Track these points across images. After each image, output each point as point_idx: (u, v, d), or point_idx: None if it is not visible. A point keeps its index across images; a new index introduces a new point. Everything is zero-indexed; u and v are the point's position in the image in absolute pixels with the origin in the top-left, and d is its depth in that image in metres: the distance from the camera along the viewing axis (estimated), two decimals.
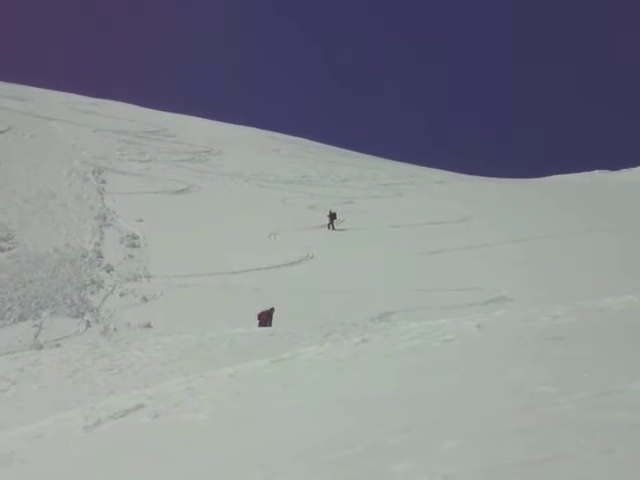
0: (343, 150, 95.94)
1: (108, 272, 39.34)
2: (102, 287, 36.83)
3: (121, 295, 35.77)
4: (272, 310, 29.68)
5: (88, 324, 31.36)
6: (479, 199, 64.82)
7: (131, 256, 42.34)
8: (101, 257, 41.60)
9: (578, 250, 44.09)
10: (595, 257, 41.87)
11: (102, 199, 54.00)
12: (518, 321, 12.12)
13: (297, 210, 56.94)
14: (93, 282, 37.41)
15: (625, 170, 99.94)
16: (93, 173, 60.66)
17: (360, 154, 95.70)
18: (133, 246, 44.28)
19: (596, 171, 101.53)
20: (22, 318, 32.16)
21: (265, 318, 29.21)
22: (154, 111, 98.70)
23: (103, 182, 58.60)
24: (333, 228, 51.80)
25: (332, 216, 52.38)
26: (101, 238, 45.24)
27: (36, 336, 29.80)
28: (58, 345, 27.48)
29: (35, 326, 31.18)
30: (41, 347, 27.39)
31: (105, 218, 49.41)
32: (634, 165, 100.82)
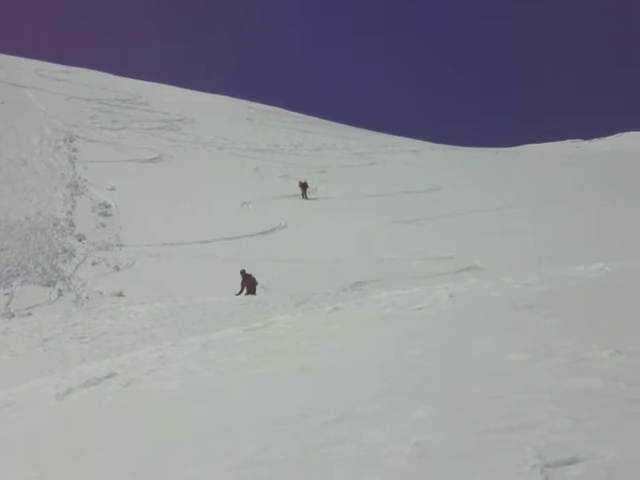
0: (317, 119, 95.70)
1: (80, 241, 39.15)
2: (74, 256, 36.65)
3: (93, 264, 35.61)
4: (243, 272, 29.74)
5: (60, 293, 31.23)
6: (452, 168, 64.85)
7: (103, 225, 42.14)
8: (73, 226, 41.38)
9: (552, 218, 44.24)
10: (570, 225, 42.05)
11: (74, 167, 53.63)
12: (490, 290, 12.16)
13: (270, 179, 56.78)
14: (65, 251, 37.23)
15: (597, 139, 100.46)
16: (65, 141, 60.22)
17: (334, 123, 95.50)
18: (105, 215, 44.07)
19: (568, 140, 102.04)
20: None
21: (252, 280, 29.36)
22: (127, 79, 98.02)
23: (75, 150, 58.18)
24: (305, 197, 51.74)
25: (303, 186, 52.28)
26: (73, 207, 44.97)
27: (7, 304, 29.65)
28: (29, 314, 27.39)
29: (6, 294, 31.02)
30: (12, 315, 27.29)
31: (77, 186, 49.11)
32: (605, 135, 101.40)
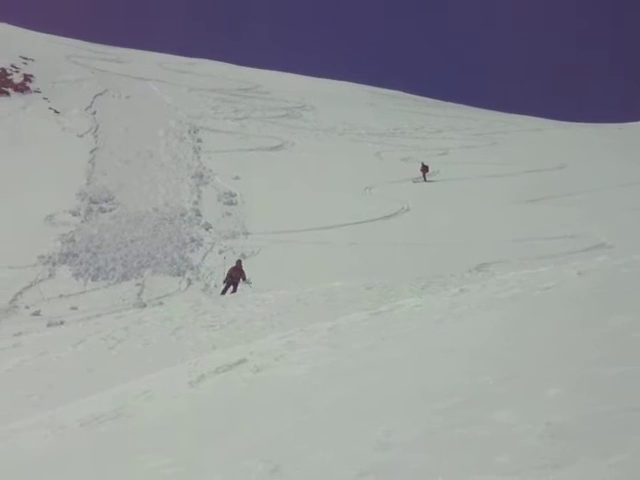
0: (437, 101, 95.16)
1: (207, 230, 39.82)
2: (201, 245, 37.32)
3: (220, 252, 36.18)
4: (239, 262, 30.00)
5: (189, 282, 31.86)
6: (576, 146, 63.71)
7: (228, 214, 42.74)
8: (199, 215, 42.09)
9: None
10: None
11: (198, 158, 54.50)
12: (620, 267, 11.90)
13: (391, 163, 56.72)
14: (193, 240, 37.93)
15: None
16: (189, 132, 61.22)
17: (454, 104, 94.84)
18: (230, 204, 44.69)
19: None
20: (125, 277, 32.81)
21: (235, 275, 29.48)
22: (247, 68, 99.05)
23: (199, 141, 59.10)
24: (425, 180, 51.51)
25: (425, 168, 52.08)
26: (199, 196, 45.73)
27: (139, 295, 30.39)
28: (161, 303, 27.99)
29: (138, 285, 31.79)
30: (144, 305, 27.94)
31: (202, 176, 49.90)
32: None
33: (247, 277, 29.30)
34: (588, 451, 4.49)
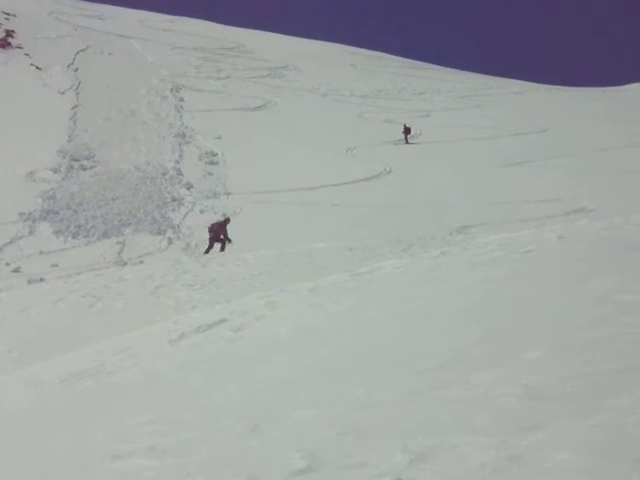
0: (420, 63, 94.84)
1: (188, 189, 39.70)
2: (182, 204, 37.22)
3: (201, 212, 36.11)
4: (227, 221, 29.50)
5: (170, 241, 31.79)
6: (558, 109, 63.74)
7: (210, 173, 42.61)
8: (181, 174, 41.95)
9: None
10: None
11: (180, 117, 54.23)
12: (601, 230, 11.93)
13: (374, 125, 56.60)
14: (174, 199, 37.82)
15: None
16: (171, 91, 60.89)
17: (437, 67, 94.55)
18: (212, 163, 44.54)
19: None
20: (105, 235, 32.72)
21: (217, 230, 29.06)
22: (231, 27, 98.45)
23: (181, 100, 58.79)
24: (407, 142, 51.45)
25: (407, 130, 51.99)
26: (180, 156, 45.56)
27: (119, 253, 30.31)
28: (141, 262, 27.93)
29: (118, 243, 31.70)
30: (125, 264, 27.87)
31: (184, 136, 49.68)
32: None
33: (228, 236, 28.87)
34: (567, 412, 4.50)
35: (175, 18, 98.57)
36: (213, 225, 29.27)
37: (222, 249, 28.54)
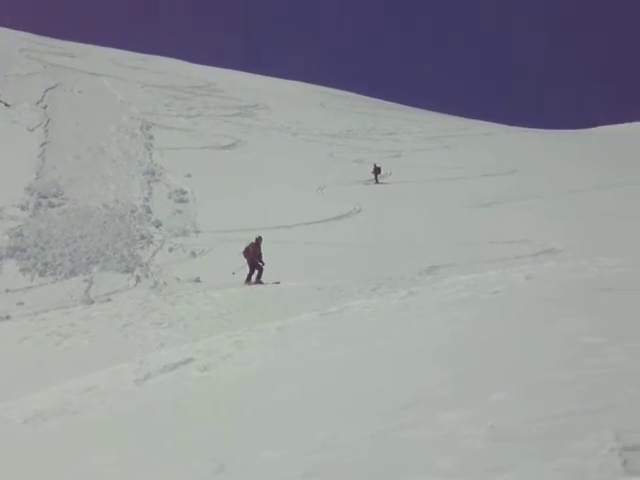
0: (390, 103, 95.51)
1: (157, 227, 39.58)
2: (151, 242, 37.07)
3: (170, 250, 35.98)
4: (259, 240, 28.94)
5: (138, 279, 31.60)
6: (527, 151, 64.28)
7: (179, 211, 42.53)
8: (150, 212, 41.83)
9: (628, 201, 43.56)
10: None
11: (150, 155, 54.18)
12: (567, 272, 12.03)
13: (344, 164, 56.80)
14: (142, 237, 37.66)
15: None
16: (141, 129, 60.87)
17: (407, 107, 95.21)
18: (181, 201, 44.47)
19: None
20: (73, 273, 32.48)
21: (253, 252, 28.24)
22: (201, 66, 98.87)
23: (151, 138, 58.77)
24: (377, 182, 51.65)
25: (377, 170, 52.23)
26: (150, 193, 45.45)
27: (87, 291, 30.09)
28: (109, 300, 27.75)
29: (86, 281, 31.48)
30: (92, 302, 27.67)
31: (153, 174, 49.61)
32: None
33: (262, 259, 28.11)
34: (532, 455, 4.50)
35: (146, 56, 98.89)
36: (247, 249, 28.55)
37: (258, 278, 27.88)
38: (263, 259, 28.24)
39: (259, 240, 28.82)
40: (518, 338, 7.73)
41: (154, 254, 35.33)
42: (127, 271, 32.85)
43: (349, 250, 34.57)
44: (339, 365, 8.74)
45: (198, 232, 38.91)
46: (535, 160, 59.43)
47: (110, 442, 7.82)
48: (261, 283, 27.55)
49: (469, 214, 42.63)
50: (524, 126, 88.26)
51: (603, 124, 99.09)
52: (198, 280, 29.93)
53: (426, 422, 5.55)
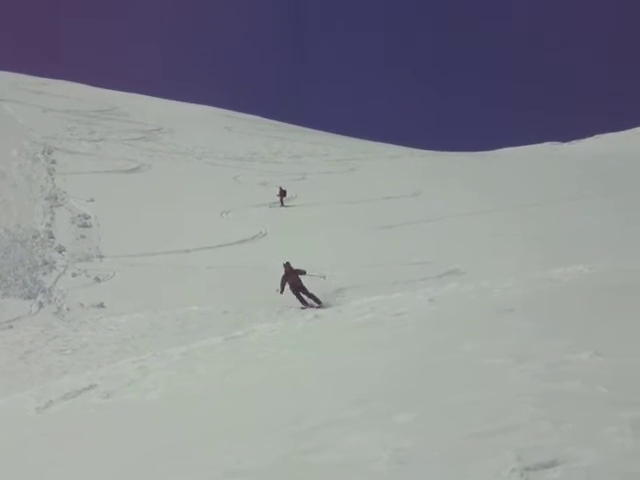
0: (295, 127, 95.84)
1: (60, 252, 38.96)
2: (54, 268, 36.46)
3: (73, 275, 35.43)
4: (287, 264, 27.86)
5: (41, 305, 31.03)
6: (432, 173, 65.00)
7: (83, 236, 41.95)
8: (52, 237, 41.18)
9: (531, 222, 44.30)
10: (548, 228, 42.12)
11: (52, 179, 53.39)
12: (469, 294, 12.19)
13: (249, 188, 56.70)
14: (45, 263, 37.05)
15: (575, 141, 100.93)
16: (43, 153, 59.99)
17: (313, 130, 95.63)
18: (85, 226, 43.86)
19: (547, 143, 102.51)
20: None
21: (293, 276, 27.01)
22: (105, 90, 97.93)
23: (53, 162, 57.94)
24: (282, 204, 51.71)
25: (282, 193, 52.29)
26: (52, 218, 44.77)
27: None
28: (10, 327, 27.21)
29: None
30: None
31: (56, 198, 48.89)
32: (583, 136, 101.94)
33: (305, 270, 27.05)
34: (435, 477, 4.53)
35: (48, 80, 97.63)
36: (287, 278, 27.13)
37: (311, 296, 26.56)
38: (302, 269, 27.37)
39: (288, 265, 27.74)
40: (422, 360, 7.79)
41: (57, 280, 34.76)
42: (29, 297, 32.26)
43: (254, 274, 34.48)
44: (246, 389, 8.70)
45: (102, 257, 38.41)
46: (440, 182, 60.09)
47: (10, 471, 7.65)
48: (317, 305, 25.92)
49: (374, 236, 42.88)
50: (430, 149, 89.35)
51: (506, 146, 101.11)
52: (102, 305, 29.50)
53: (333, 445, 5.56)
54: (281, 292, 26.92)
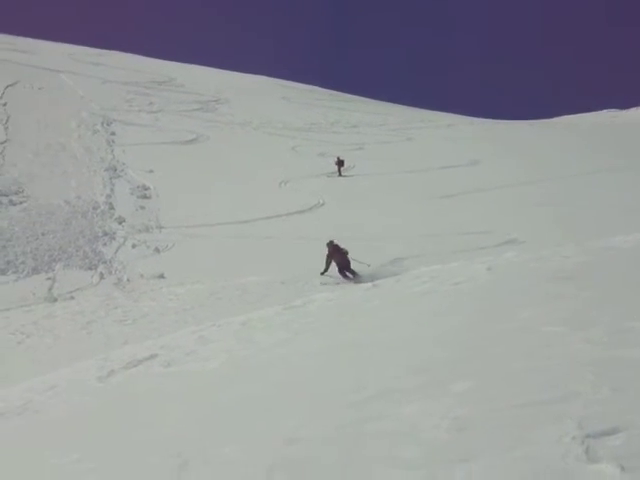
0: (353, 96, 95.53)
1: (120, 224, 39.34)
2: (114, 239, 36.84)
3: (133, 246, 35.78)
4: (331, 243, 27.49)
5: (101, 276, 31.39)
6: (489, 142, 64.53)
7: (142, 207, 42.31)
8: (112, 209, 41.58)
9: (590, 190, 43.86)
10: (607, 197, 41.65)
11: (112, 151, 53.86)
12: (528, 262, 12.08)
13: (307, 158, 56.73)
14: (105, 234, 37.43)
15: (634, 108, 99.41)
16: (102, 125, 60.51)
17: (370, 100, 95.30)
18: (144, 197, 44.23)
19: (605, 110, 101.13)
20: (35, 271, 32.22)
21: (337, 254, 26.82)
22: (161, 61, 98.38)
23: (112, 134, 58.44)
24: (340, 175, 51.64)
25: (340, 163, 52.20)
26: (112, 190, 45.19)
27: (50, 289, 29.86)
28: (72, 297, 27.58)
29: (49, 279, 31.24)
30: (55, 300, 27.49)
31: (115, 170, 49.33)
32: None
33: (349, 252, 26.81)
34: (494, 444, 4.53)
35: (104, 52, 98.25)
36: (332, 256, 26.84)
37: (351, 272, 26.54)
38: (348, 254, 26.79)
39: (332, 244, 27.33)
40: (480, 328, 7.76)
41: (117, 251, 35.12)
42: (90, 268, 32.64)
43: (312, 243, 34.53)
44: (303, 359, 8.74)
45: (161, 228, 38.73)
46: (497, 150, 59.69)
47: (73, 440, 7.77)
48: (353, 275, 26.31)
49: (432, 206, 42.73)
50: (487, 117, 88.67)
51: (564, 114, 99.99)
52: (162, 276, 29.79)
53: (390, 414, 5.56)
54: (324, 272, 26.56)
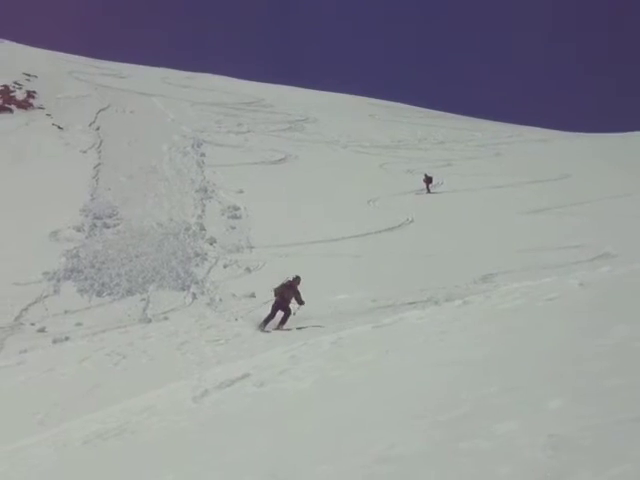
0: (439, 112, 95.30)
1: (211, 244, 39.79)
2: (206, 259, 37.28)
3: (225, 266, 36.15)
4: (297, 280, 24.66)
5: (194, 296, 31.79)
6: (579, 156, 63.73)
7: (233, 227, 42.74)
8: (204, 229, 42.08)
9: None
10: None
11: (202, 172, 54.55)
12: (623, 277, 11.90)
13: (395, 175, 56.75)
14: (197, 254, 37.89)
15: None
16: (192, 146, 61.34)
17: (456, 115, 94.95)
18: (234, 217, 44.69)
19: None
20: (130, 292, 32.76)
21: (283, 293, 24.07)
22: (249, 82, 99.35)
23: (202, 155, 59.19)
24: (429, 191, 51.53)
25: (428, 180, 52.11)
26: (203, 211, 45.76)
27: (144, 310, 30.33)
28: (166, 318, 27.97)
29: (143, 300, 31.73)
30: (149, 320, 27.92)
31: (206, 191, 49.93)
32: None
33: (302, 298, 23.98)
34: (589, 463, 4.49)
35: (194, 74, 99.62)
36: (282, 289, 24.17)
37: (283, 321, 23.44)
38: (303, 298, 24.02)
39: (296, 281, 24.56)
40: (572, 345, 7.68)
41: (209, 271, 35.53)
42: (183, 289, 33.07)
43: (402, 261, 34.49)
44: (394, 377, 8.73)
45: (252, 248, 39.07)
46: (587, 165, 58.94)
47: (169, 461, 7.87)
48: (283, 329, 23.10)
49: (521, 221, 42.36)
50: (575, 131, 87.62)
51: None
52: (253, 295, 30.04)
53: (484, 432, 5.54)
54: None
